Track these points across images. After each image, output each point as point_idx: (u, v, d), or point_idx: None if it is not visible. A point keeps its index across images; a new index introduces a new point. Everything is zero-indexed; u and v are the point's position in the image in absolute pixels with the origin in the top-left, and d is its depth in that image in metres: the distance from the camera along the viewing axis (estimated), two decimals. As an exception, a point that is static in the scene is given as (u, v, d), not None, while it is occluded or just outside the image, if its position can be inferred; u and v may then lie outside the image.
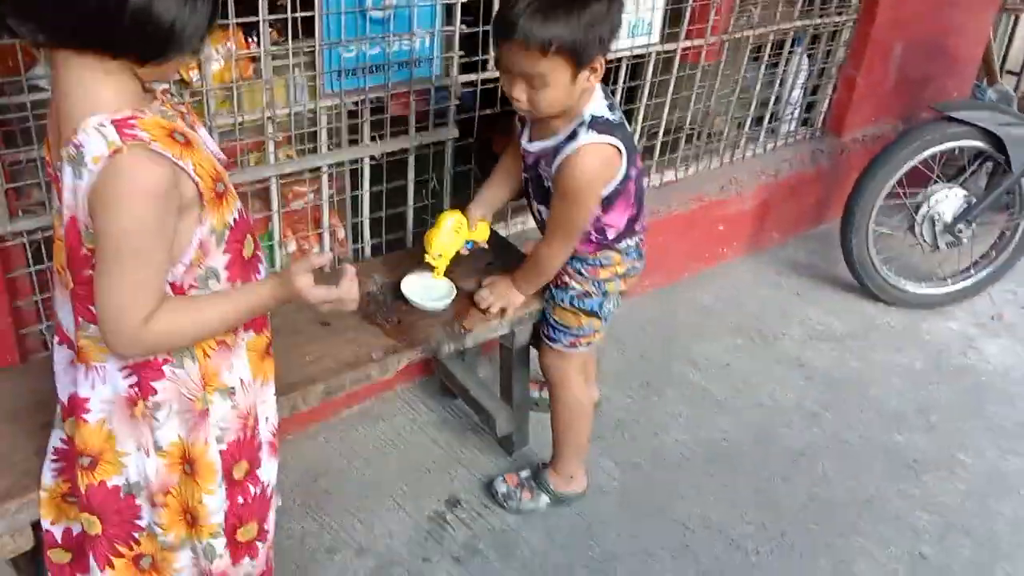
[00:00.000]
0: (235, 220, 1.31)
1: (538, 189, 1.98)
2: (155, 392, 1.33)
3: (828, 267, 3.50)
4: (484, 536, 2.19)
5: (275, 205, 2.18)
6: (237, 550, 1.48)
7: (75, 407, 1.36)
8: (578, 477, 2.30)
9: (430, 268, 2.07)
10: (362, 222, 2.38)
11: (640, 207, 2.00)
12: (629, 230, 2.00)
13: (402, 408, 2.57)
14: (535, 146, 1.90)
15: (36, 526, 1.52)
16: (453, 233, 2.03)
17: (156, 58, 1.15)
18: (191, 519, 1.42)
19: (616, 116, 1.86)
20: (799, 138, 3.59)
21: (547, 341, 2.15)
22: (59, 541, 1.50)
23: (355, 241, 2.41)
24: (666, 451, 2.51)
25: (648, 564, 2.16)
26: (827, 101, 3.60)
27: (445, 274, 2.11)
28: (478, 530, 2.21)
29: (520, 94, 1.75)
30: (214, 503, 1.40)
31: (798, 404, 2.75)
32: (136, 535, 1.42)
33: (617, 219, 1.96)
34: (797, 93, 3.48)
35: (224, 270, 1.32)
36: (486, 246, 2.15)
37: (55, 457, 1.48)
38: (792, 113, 3.53)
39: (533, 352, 2.27)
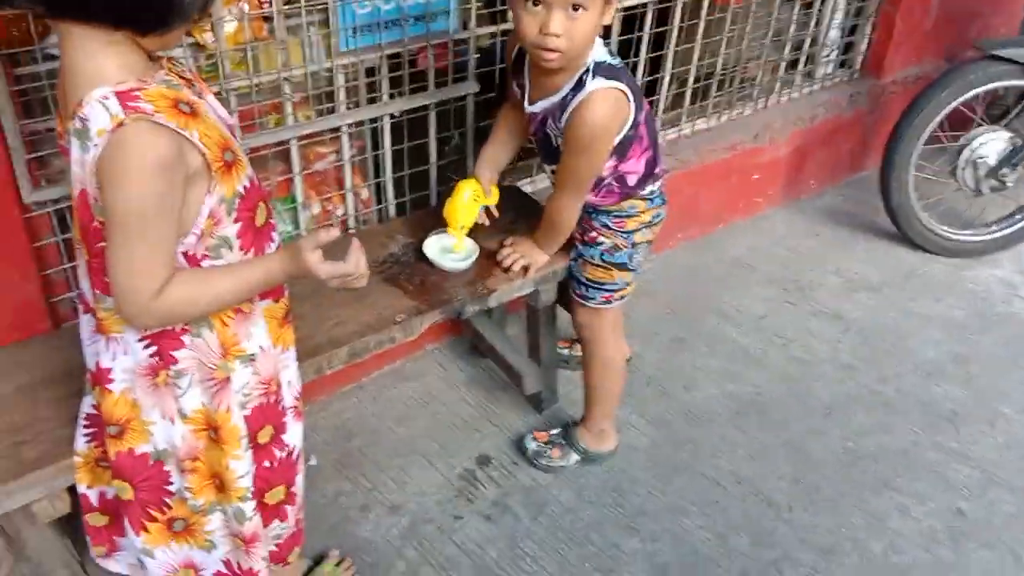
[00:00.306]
0: (246, 188, 1.30)
1: (547, 149, 1.93)
2: (176, 361, 1.34)
3: (867, 215, 3.40)
4: (514, 493, 2.20)
5: (296, 167, 2.16)
6: (266, 513, 1.50)
7: (99, 377, 1.37)
8: (609, 435, 2.29)
9: (452, 238, 2.05)
10: (385, 182, 2.36)
11: (656, 149, 1.96)
12: (650, 174, 1.96)
13: (433, 367, 2.58)
14: (539, 106, 1.84)
15: (72, 491, 1.55)
16: (472, 202, 2.00)
17: (159, 28, 1.14)
18: (219, 483, 1.43)
19: (618, 61, 1.81)
20: (836, 81, 3.47)
21: (580, 300, 2.12)
22: (95, 505, 1.53)
23: (379, 201, 2.39)
24: (697, 406, 2.49)
25: (678, 520, 2.16)
26: (865, 41, 3.46)
27: (468, 234, 2.09)
28: (508, 488, 2.21)
29: (558, 27, 1.64)
30: (241, 467, 1.41)
31: (833, 356, 2.70)
32: (168, 500, 1.44)
33: (635, 164, 1.91)
34: (834, 34, 3.36)
35: (236, 239, 1.31)
36: (496, 212, 2.11)
37: (87, 423, 1.50)
38: (828, 55, 3.41)
39: (560, 310, 2.25)
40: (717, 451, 2.35)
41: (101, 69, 1.13)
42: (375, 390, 2.48)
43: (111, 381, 1.36)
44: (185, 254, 1.27)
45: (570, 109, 1.77)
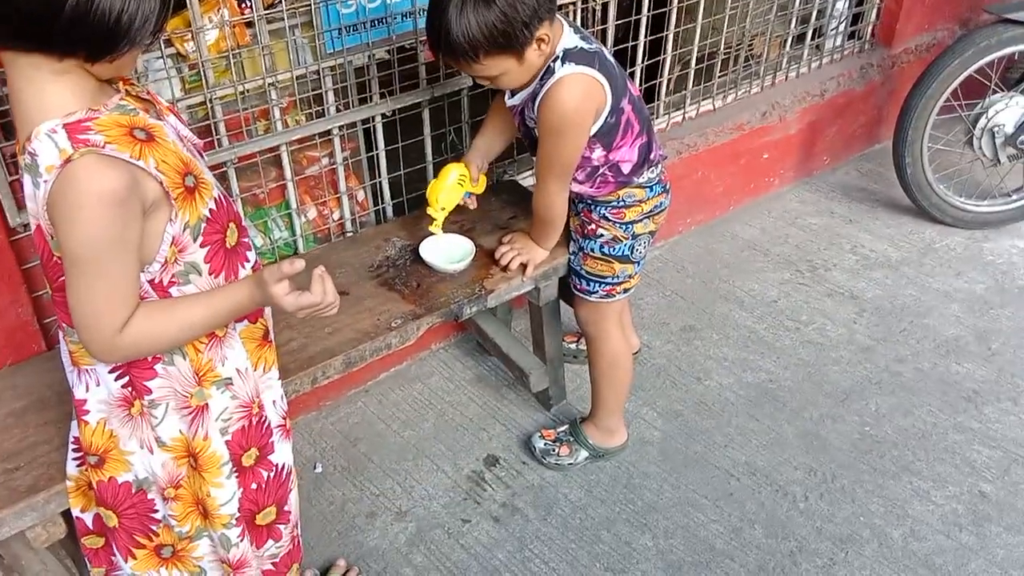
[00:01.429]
0: (212, 211, 1.26)
1: (530, 140, 1.90)
2: (149, 391, 1.32)
3: (883, 190, 3.32)
4: (523, 494, 2.17)
5: (288, 173, 2.13)
6: (259, 534, 1.49)
7: (76, 408, 1.36)
8: (618, 430, 2.25)
9: (431, 220, 2.01)
10: (381, 182, 2.32)
11: (650, 135, 1.90)
12: (645, 160, 1.91)
13: (438, 367, 2.55)
14: (518, 98, 1.82)
15: (68, 514, 1.54)
16: (456, 186, 1.96)
17: (106, 55, 1.09)
18: (203, 510, 1.42)
19: (592, 45, 1.76)
20: (846, 53, 3.37)
21: (581, 294, 2.08)
22: (91, 528, 1.52)
23: (376, 203, 2.36)
24: (709, 397, 2.44)
25: (691, 514, 2.11)
26: (875, 10, 3.36)
27: (465, 233, 2.05)
28: (517, 488, 2.19)
29: (482, 81, 1.75)
30: (223, 495, 1.39)
31: (849, 339, 2.63)
32: (153, 527, 1.43)
33: (628, 152, 1.86)
34: (842, 4, 3.26)
35: (204, 263, 1.28)
36: (474, 202, 2.07)
37: (75, 447, 1.49)
38: (837, 26, 3.31)
39: (565, 304, 2.21)
40: (731, 442, 2.30)
41: (49, 99, 1.10)
42: (380, 393, 2.46)
43: (86, 412, 1.34)
44: (151, 282, 1.25)
45: (540, 96, 1.74)
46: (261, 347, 1.44)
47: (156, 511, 1.42)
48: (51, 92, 1.10)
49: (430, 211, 1.99)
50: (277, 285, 1.25)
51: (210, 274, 1.30)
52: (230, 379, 1.38)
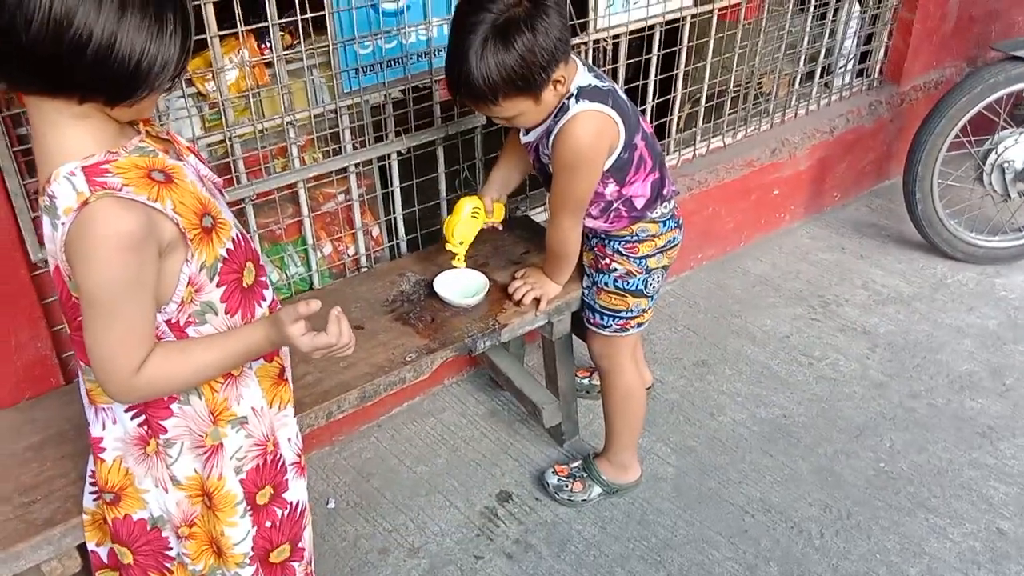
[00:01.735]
0: (229, 251, 1.27)
1: (544, 177, 1.93)
2: (165, 431, 1.32)
3: (894, 225, 3.33)
4: (536, 530, 2.16)
5: (305, 209, 2.16)
6: (273, 572, 1.48)
7: (93, 445, 1.37)
8: (632, 466, 2.24)
9: (452, 255, 2.03)
10: (395, 218, 2.35)
11: (663, 170, 1.93)
12: (658, 196, 1.93)
13: (451, 402, 2.55)
14: (533, 135, 1.86)
15: (83, 548, 1.55)
16: (471, 219, 1.99)
17: (125, 100, 1.10)
18: (217, 549, 1.42)
19: (605, 84, 1.79)
20: (855, 91, 3.41)
21: (595, 328, 2.09)
22: (105, 562, 1.52)
23: (390, 238, 2.39)
24: (723, 432, 2.43)
25: (706, 551, 2.10)
26: (883, 49, 3.40)
27: (479, 268, 2.07)
28: (530, 524, 2.18)
29: (498, 121, 1.79)
30: (237, 534, 1.39)
31: (862, 374, 2.63)
32: (168, 564, 1.43)
33: (641, 187, 1.89)
34: (850, 43, 3.30)
35: (221, 303, 1.29)
36: (501, 227, 2.10)
37: (92, 480, 1.50)
38: (846, 65, 3.35)
39: (578, 339, 2.22)
40: (745, 478, 2.29)
41: (69, 142, 1.11)
42: (393, 428, 2.46)
43: (103, 450, 1.35)
44: (168, 322, 1.25)
45: (555, 133, 1.76)
46: (277, 385, 1.45)
47: (170, 548, 1.42)
48: (71, 135, 1.12)
49: (449, 247, 2.01)
50: (293, 326, 1.26)
51: (227, 313, 1.30)
52: (245, 418, 1.38)
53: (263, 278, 1.40)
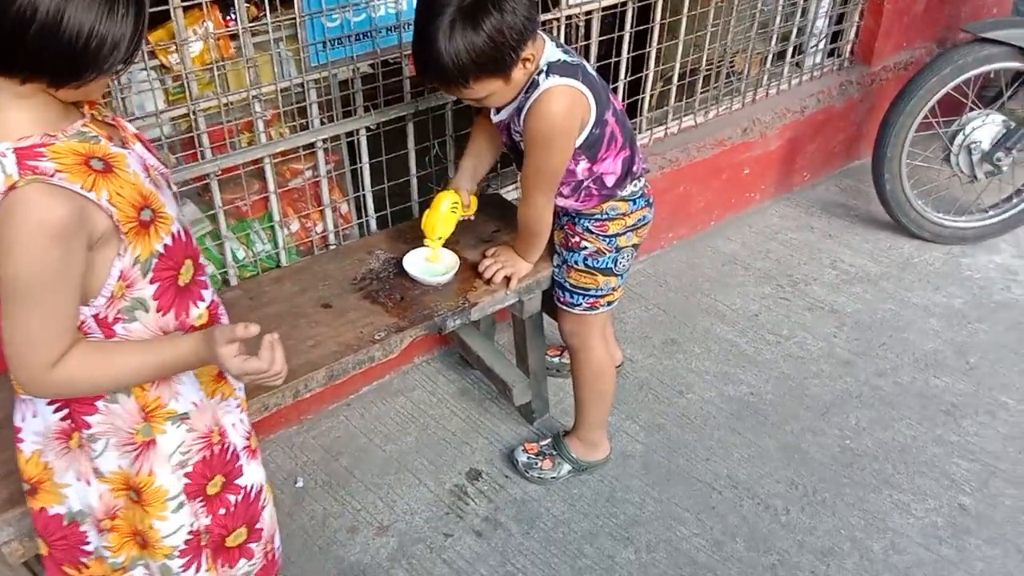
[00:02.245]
0: (167, 247, 1.22)
1: (516, 155, 1.92)
2: (89, 426, 1.28)
3: (862, 205, 3.36)
4: (505, 508, 2.17)
5: (271, 185, 2.13)
6: (230, 555, 1.46)
7: (13, 433, 1.32)
8: (601, 443, 2.25)
9: (428, 248, 2.02)
10: (364, 196, 2.32)
11: (633, 147, 1.92)
12: (628, 173, 1.92)
13: (421, 381, 2.55)
14: (503, 114, 1.84)
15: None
16: (450, 213, 1.97)
17: (71, 80, 1.05)
18: (142, 540, 1.37)
19: (574, 59, 1.78)
20: (826, 70, 3.41)
21: (565, 307, 2.09)
22: None
23: (359, 216, 2.36)
24: (691, 410, 2.45)
25: (673, 527, 2.12)
26: (854, 29, 3.40)
27: (449, 246, 2.06)
28: (499, 502, 2.18)
29: (469, 102, 1.77)
30: (167, 527, 1.34)
31: (829, 352, 2.66)
32: (84, 560, 1.39)
33: (612, 165, 1.88)
34: (821, 22, 3.30)
35: (152, 300, 1.24)
36: (473, 218, 2.09)
37: None
38: (817, 44, 3.35)
39: (548, 318, 2.22)
40: (712, 455, 2.31)
41: (5, 122, 1.06)
42: (362, 407, 2.45)
43: (21, 441, 1.31)
44: (96, 317, 1.20)
45: (526, 109, 1.75)
46: (217, 381, 1.40)
47: (88, 543, 1.38)
48: (9, 114, 1.07)
49: (427, 242, 2.00)
50: (226, 347, 1.20)
51: (158, 311, 1.25)
52: (186, 414, 1.34)
53: (202, 277, 1.34)
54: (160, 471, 1.32)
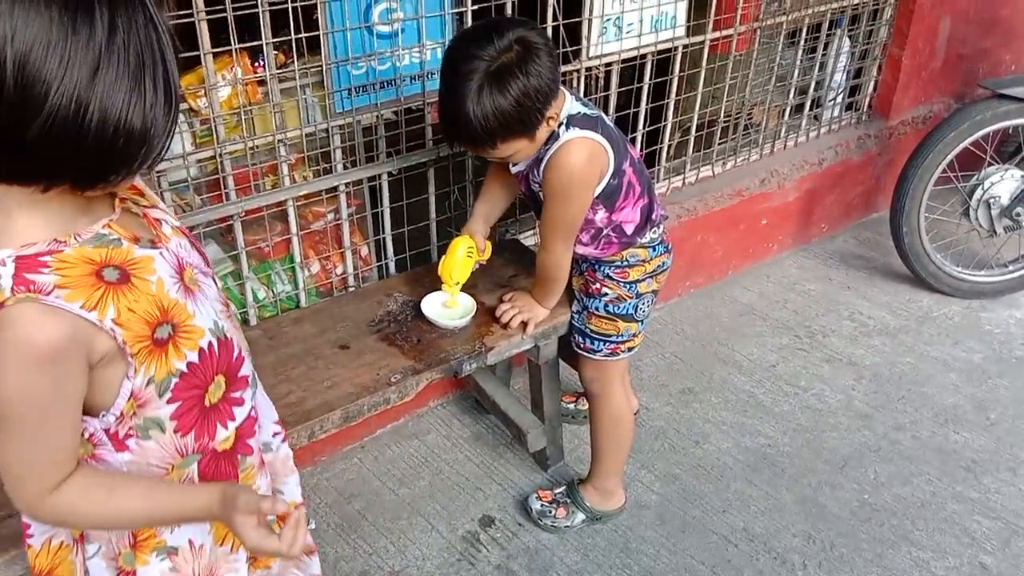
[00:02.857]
0: (190, 365, 1.09)
1: (535, 205, 1.94)
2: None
3: (881, 258, 3.36)
4: (518, 556, 2.14)
5: (293, 227, 2.16)
6: None
7: (22, 530, 1.23)
8: (616, 492, 2.23)
9: (441, 285, 2.04)
10: (384, 239, 2.35)
11: (651, 195, 1.94)
12: (647, 221, 1.94)
13: (436, 424, 2.54)
14: (522, 165, 1.87)
15: None
16: (466, 259, 2.00)
17: (96, 184, 0.93)
18: None
19: (593, 111, 1.82)
20: (844, 124, 3.44)
21: (585, 353, 2.09)
22: None
23: (379, 258, 2.38)
24: (708, 461, 2.43)
25: (688, 581, 2.09)
26: (872, 83, 3.44)
27: (467, 290, 2.07)
28: (512, 550, 2.16)
29: (493, 160, 1.81)
30: None
31: (847, 405, 2.63)
32: None
33: (630, 213, 1.90)
34: (839, 76, 3.34)
35: (170, 420, 1.10)
36: (485, 263, 2.10)
37: None
38: (835, 98, 3.38)
39: (565, 364, 2.22)
40: (729, 507, 2.28)
41: (14, 224, 0.96)
42: (376, 449, 2.44)
43: (30, 536, 1.21)
44: (107, 431, 1.09)
45: (545, 160, 1.78)
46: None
47: None
48: (16, 217, 0.96)
49: (445, 288, 2.03)
50: (246, 516, 1.10)
51: (176, 432, 1.12)
52: (176, 549, 1.20)
53: (238, 393, 1.20)
54: None
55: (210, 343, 1.12)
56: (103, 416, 1.06)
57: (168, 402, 1.09)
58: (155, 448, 1.12)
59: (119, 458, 1.12)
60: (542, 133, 1.74)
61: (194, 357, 1.09)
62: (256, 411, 1.28)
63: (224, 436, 1.19)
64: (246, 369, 1.22)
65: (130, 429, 1.09)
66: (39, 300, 0.94)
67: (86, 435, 1.09)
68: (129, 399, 1.05)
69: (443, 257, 2.02)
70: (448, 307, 2.06)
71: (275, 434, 1.37)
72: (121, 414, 1.07)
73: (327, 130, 2.11)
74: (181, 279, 1.10)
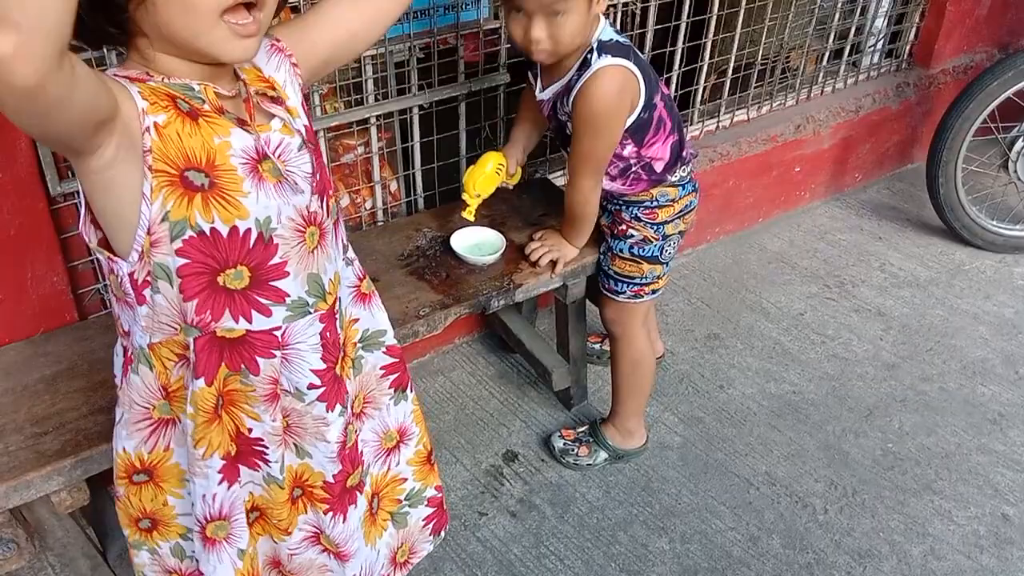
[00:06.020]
0: (212, 231, 1.09)
1: (562, 137, 1.91)
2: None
3: (914, 209, 3.30)
4: (541, 491, 2.17)
5: (324, 159, 2.14)
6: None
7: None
8: (637, 432, 2.24)
9: (464, 206, 2.01)
10: (414, 174, 2.33)
11: (681, 132, 1.91)
12: (677, 158, 1.91)
13: (461, 361, 2.55)
14: (549, 92, 1.83)
15: (91, 481, 1.55)
16: (493, 175, 1.97)
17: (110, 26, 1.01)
18: (152, 522, 1.37)
19: (625, 40, 1.77)
20: (883, 71, 3.36)
21: (609, 294, 2.08)
22: None
23: (408, 194, 2.37)
24: (732, 405, 2.43)
25: (709, 520, 2.10)
26: (914, 30, 3.35)
27: (496, 228, 2.06)
28: (535, 484, 2.18)
29: (540, 32, 1.65)
30: (182, 504, 1.33)
31: (875, 355, 2.61)
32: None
33: (660, 149, 1.87)
34: (880, 22, 3.25)
35: (177, 276, 1.10)
36: (512, 187, 2.09)
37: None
38: (875, 44, 3.30)
39: (591, 304, 2.21)
40: (751, 451, 2.29)
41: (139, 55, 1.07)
42: (403, 384, 2.46)
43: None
44: (131, 276, 1.11)
45: (576, 89, 1.74)
46: (209, 423, 1.22)
47: None
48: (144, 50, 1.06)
49: (465, 197, 1.99)
50: None
51: (181, 292, 1.12)
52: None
53: (266, 301, 1.17)
54: (175, 447, 1.29)
55: (248, 229, 1.11)
56: (128, 257, 1.08)
57: (178, 253, 1.08)
58: (164, 305, 1.13)
59: (140, 311, 1.15)
60: (593, 13, 1.66)
61: (222, 228, 1.09)
62: (288, 340, 1.23)
63: (230, 327, 1.17)
64: (289, 288, 1.19)
65: (148, 276, 1.10)
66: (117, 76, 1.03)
67: (118, 280, 1.13)
68: (146, 234, 1.06)
69: (470, 168, 2.00)
70: (477, 243, 2.05)
71: (311, 386, 1.27)
72: (141, 252, 1.07)
73: (359, 60, 2.09)
74: (255, 161, 1.11)
